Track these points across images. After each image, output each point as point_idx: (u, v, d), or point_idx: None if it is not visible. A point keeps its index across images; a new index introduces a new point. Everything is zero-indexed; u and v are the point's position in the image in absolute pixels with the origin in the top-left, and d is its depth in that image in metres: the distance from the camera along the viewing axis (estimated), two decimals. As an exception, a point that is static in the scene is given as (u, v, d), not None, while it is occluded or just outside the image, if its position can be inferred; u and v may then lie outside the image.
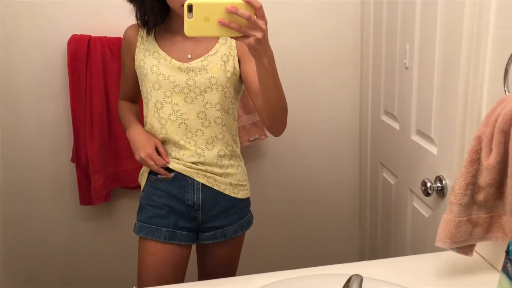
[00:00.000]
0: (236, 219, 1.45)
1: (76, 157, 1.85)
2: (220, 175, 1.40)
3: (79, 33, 1.78)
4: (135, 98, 1.53)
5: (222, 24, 0.97)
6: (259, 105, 1.26)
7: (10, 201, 1.96)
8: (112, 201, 1.98)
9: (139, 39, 1.37)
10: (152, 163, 1.34)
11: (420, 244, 1.51)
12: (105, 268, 2.08)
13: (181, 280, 1.44)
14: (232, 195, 1.42)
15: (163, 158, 1.35)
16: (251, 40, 1.00)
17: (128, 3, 1.35)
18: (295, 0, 1.91)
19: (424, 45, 1.38)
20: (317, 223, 2.21)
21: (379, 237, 1.94)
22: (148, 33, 1.36)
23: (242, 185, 1.45)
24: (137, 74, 1.39)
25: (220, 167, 1.39)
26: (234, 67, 1.33)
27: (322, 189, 2.17)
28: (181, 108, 1.33)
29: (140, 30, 1.38)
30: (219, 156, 1.38)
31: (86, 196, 1.88)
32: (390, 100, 1.69)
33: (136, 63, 1.37)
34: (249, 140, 1.95)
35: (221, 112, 1.35)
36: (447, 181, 1.28)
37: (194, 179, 1.37)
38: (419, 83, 1.44)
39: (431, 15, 1.31)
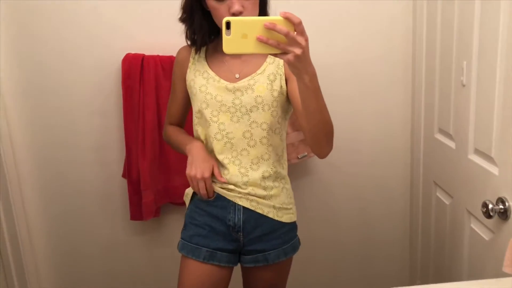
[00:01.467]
0: (279, 244, 1.40)
1: (128, 172, 1.89)
2: (263, 197, 1.37)
3: (133, 52, 1.84)
4: (182, 121, 1.52)
5: (260, 40, 0.95)
6: (303, 125, 1.22)
7: (61, 214, 2.02)
8: (162, 216, 2.01)
9: (191, 59, 1.40)
10: (201, 185, 1.33)
11: (479, 268, 1.45)
12: (153, 283, 2.10)
13: None
14: (276, 218, 1.38)
15: (217, 179, 1.34)
16: (290, 56, 0.96)
17: (180, 23, 1.37)
18: (345, 17, 1.90)
19: (484, 62, 1.34)
20: (365, 244, 2.16)
21: (432, 259, 1.88)
22: (196, 52, 1.38)
23: (286, 208, 1.41)
24: (189, 94, 1.41)
25: (264, 188, 1.36)
26: (281, 86, 1.31)
27: (370, 209, 2.12)
28: (227, 127, 1.33)
29: (192, 51, 1.40)
30: (263, 177, 1.36)
31: (137, 211, 1.91)
32: (445, 118, 1.64)
33: (187, 82, 1.39)
34: (298, 158, 1.93)
35: (267, 132, 1.33)
36: (510, 203, 1.22)
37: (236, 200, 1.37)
38: (477, 101, 1.39)
39: (492, 31, 1.27)
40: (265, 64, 1.33)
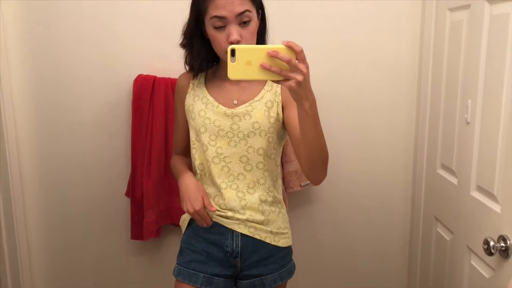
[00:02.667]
0: (276, 268, 1.41)
1: (132, 191, 1.90)
2: (261, 223, 1.38)
3: (145, 73, 1.87)
4: (188, 149, 1.51)
5: (263, 67, 0.99)
6: (299, 152, 1.25)
7: (61, 229, 2.02)
8: (162, 237, 2.01)
9: (191, 85, 1.43)
10: (197, 217, 1.35)
11: (478, 306, 1.45)
12: (149, 304, 2.09)
13: None
14: (273, 243, 1.39)
15: (208, 208, 1.36)
16: (292, 83, 1.00)
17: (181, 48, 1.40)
18: (351, 50, 1.95)
19: (488, 100, 1.37)
20: (363, 276, 2.16)
21: (430, 294, 1.87)
22: (193, 77, 1.42)
23: (283, 233, 1.43)
24: (187, 119, 1.43)
25: (262, 213, 1.38)
26: (278, 113, 1.35)
27: (370, 242, 2.12)
28: (225, 151, 1.35)
29: (191, 77, 1.44)
30: (261, 201, 1.38)
31: (138, 230, 1.92)
32: (448, 154, 1.67)
33: (186, 107, 1.42)
34: (301, 185, 1.95)
35: (263, 157, 1.36)
36: None
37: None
38: (481, 138, 1.42)
39: (498, 70, 1.30)
40: (263, 91, 1.36)
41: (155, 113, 1.84)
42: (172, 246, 2.03)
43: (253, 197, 1.37)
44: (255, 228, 1.37)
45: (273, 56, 0.98)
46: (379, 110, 2.01)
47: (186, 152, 1.52)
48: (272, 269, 1.41)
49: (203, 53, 1.35)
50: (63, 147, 1.95)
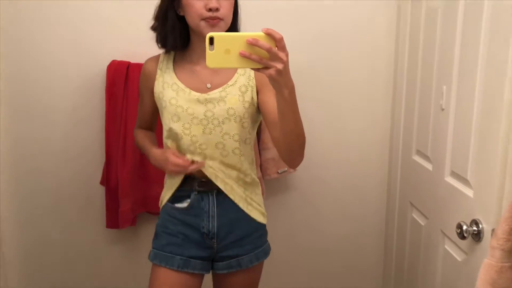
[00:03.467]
0: (252, 249, 1.43)
1: (107, 180, 1.87)
2: (237, 181, 1.39)
3: (118, 59, 1.84)
4: (152, 128, 1.56)
5: (243, 55, 0.98)
6: (276, 136, 1.26)
7: (36, 218, 1.98)
8: (137, 225, 1.99)
9: (158, 71, 1.39)
10: (182, 169, 1.33)
11: (451, 289, 1.48)
12: (125, 293, 2.07)
13: None
14: (245, 210, 1.40)
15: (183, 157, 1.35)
16: (271, 71, 1.00)
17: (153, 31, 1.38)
18: (329, 36, 1.94)
19: (463, 87, 1.38)
20: (339, 259, 2.18)
21: (405, 278, 1.90)
22: (166, 53, 1.38)
23: (257, 208, 1.44)
24: (158, 106, 1.41)
25: (239, 181, 1.39)
26: (252, 98, 1.34)
27: (347, 226, 2.14)
28: (200, 139, 1.34)
29: (159, 62, 1.40)
30: (238, 179, 1.39)
31: (113, 219, 1.89)
32: (423, 140, 1.68)
33: (156, 95, 1.39)
34: (278, 172, 1.95)
35: (239, 143, 1.36)
36: (484, 225, 1.25)
37: (209, 206, 1.38)
38: (455, 125, 1.43)
39: (472, 57, 1.31)
40: (236, 75, 1.35)
41: (129, 100, 1.81)
42: (148, 234, 2.00)
43: (231, 174, 1.38)
44: (232, 188, 1.38)
45: (252, 44, 0.97)
46: (355, 97, 2.02)
47: (151, 129, 1.55)
48: (248, 249, 1.42)
49: (178, 29, 1.32)
50: (35, 134, 1.91)
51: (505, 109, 1.15)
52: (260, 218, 1.45)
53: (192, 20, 1.28)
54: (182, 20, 1.32)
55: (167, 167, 1.33)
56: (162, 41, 1.36)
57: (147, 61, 1.43)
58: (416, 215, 1.78)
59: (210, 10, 1.24)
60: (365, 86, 2.01)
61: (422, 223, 1.71)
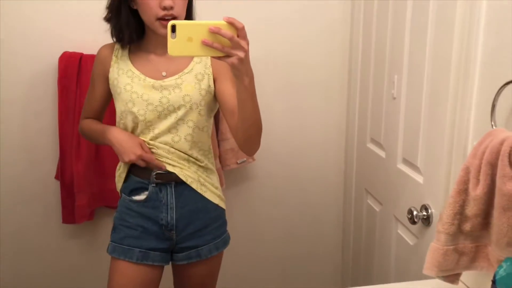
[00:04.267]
0: (211, 239, 1.43)
1: (61, 174, 1.83)
2: (188, 163, 1.38)
3: (71, 50, 1.79)
4: (99, 118, 1.50)
5: (205, 44, 0.99)
6: (233, 124, 1.28)
7: (-11, 217, 1.92)
8: (95, 220, 1.96)
9: (114, 58, 1.38)
10: (143, 163, 1.33)
11: (404, 272, 1.53)
12: (84, 286, 2.04)
13: None
14: (199, 191, 1.39)
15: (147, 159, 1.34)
16: (233, 59, 1.02)
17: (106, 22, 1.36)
18: (285, 24, 1.95)
19: (412, 76, 1.42)
20: (299, 246, 2.21)
21: (362, 263, 1.95)
22: (123, 47, 1.37)
23: (212, 190, 1.43)
24: (112, 93, 1.40)
25: (188, 163, 1.38)
26: (209, 86, 1.34)
27: (305, 214, 2.18)
28: (154, 124, 1.34)
29: (114, 50, 1.39)
30: (189, 162, 1.39)
31: (70, 214, 1.86)
32: (377, 129, 1.72)
33: (110, 81, 1.38)
34: (237, 163, 1.95)
35: (193, 129, 1.35)
36: (432, 210, 1.30)
37: (167, 198, 1.37)
38: (406, 113, 1.48)
39: (420, 47, 1.35)
40: (192, 63, 1.35)
41: (82, 92, 1.76)
42: (106, 228, 1.97)
43: (182, 157, 1.37)
44: (181, 169, 1.37)
45: (215, 32, 0.98)
46: (312, 85, 2.04)
47: (98, 119, 1.50)
48: (207, 239, 1.43)
49: (132, 24, 1.31)
50: (-16, 129, 1.84)
51: (450, 98, 1.20)
52: (216, 200, 1.43)
53: (147, 18, 1.28)
54: (136, 14, 1.30)
55: (130, 153, 1.31)
56: (117, 36, 1.35)
57: (102, 47, 1.42)
58: (371, 202, 1.83)
59: (164, 8, 1.23)
60: (321, 75, 2.03)
61: (377, 209, 1.76)
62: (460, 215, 0.97)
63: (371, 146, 1.80)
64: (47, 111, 1.85)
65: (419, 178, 1.39)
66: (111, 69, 1.38)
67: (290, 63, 2.00)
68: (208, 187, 1.42)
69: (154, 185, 1.37)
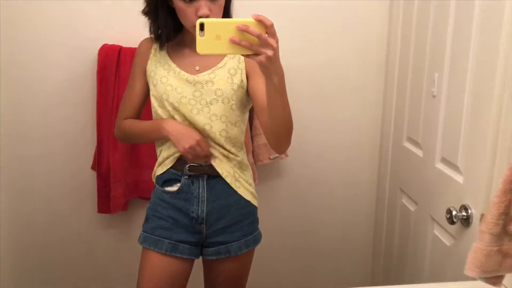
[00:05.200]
0: (241, 236, 1.43)
1: (98, 165, 1.86)
2: (224, 157, 1.38)
3: (110, 43, 1.82)
4: (137, 117, 1.48)
5: (233, 42, 0.98)
6: (264, 121, 1.27)
7: (27, 204, 1.97)
8: (130, 210, 1.99)
9: (153, 51, 1.40)
10: (200, 149, 1.32)
11: (439, 272, 1.50)
12: (117, 277, 2.07)
13: None
14: (233, 186, 1.39)
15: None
16: (261, 57, 1.00)
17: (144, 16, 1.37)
18: (321, 21, 1.94)
19: (454, 74, 1.39)
20: (329, 245, 2.20)
21: (394, 263, 1.93)
22: (161, 48, 1.39)
23: (245, 187, 1.43)
24: (149, 85, 1.41)
25: (224, 157, 1.38)
26: (241, 81, 1.34)
27: (337, 212, 2.16)
28: (188, 119, 1.35)
29: (154, 43, 1.41)
30: (224, 156, 1.39)
31: (105, 204, 1.89)
32: (414, 127, 1.70)
33: (147, 73, 1.40)
34: (270, 158, 1.95)
35: (226, 125, 1.36)
36: (473, 210, 1.28)
37: (199, 191, 1.38)
38: (446, 112, 1.45)
39: (463, 45, 1.32)
40: (226, 58, 1.36)
41: (120, 84, 1.79)
42: (140, 218, 2.00)
43: (220, 150, 1.38)
44: (221, 161, 1.38)
45: (243, 30, 0.97)
46: (347, 83, 2.02)
47: (133, 117, 1.47)
48: (237, 236, 1.42)
49: (170, 23, 1.33)
50: (26, 119, 1.89)
51: (495, 96, 1.17)
52: (249, 197, 1.43)
53: (184, 23, 1.29)
54: (174, 12, 1.31)
55: (190, 138, 1.31)
56: (155, 36, 1.37)
57: (142, 41, 1.44)
58: (406, 201, 1.80)
59: (200, 17, 1.23)
60: (357, 72, 2.01)
61: (412, 209, 1.73)
62: (505, 215, 0.95)
63: (408, 145, 1.78)
64: (85, 103, 1.89)
65: (459, 178, 1.36)
66: (149, 62, 1.40)
67: (325, 59, 1.98)
68: (241, 183, 1.42)
69: (186, 177, 1.39)
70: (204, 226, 1.40)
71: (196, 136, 1.32)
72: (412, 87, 1.73)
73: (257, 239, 1.48)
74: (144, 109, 1.48)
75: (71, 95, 1.88)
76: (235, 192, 1.41)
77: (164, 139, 1.38)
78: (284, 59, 1.08)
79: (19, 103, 1.87)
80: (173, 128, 1.34)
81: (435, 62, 1.51)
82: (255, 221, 1.48)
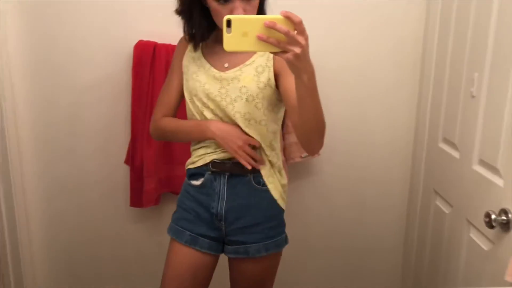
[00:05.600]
0: (261, 238, 1.39)
1: (132, 159, 1.89)
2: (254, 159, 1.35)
3: (145, 39, 1.84)
4: (173, 114, 1.47)
5: (260, 39, 0.96)
6: (295, 122, 1.23)
7: (61, 197, 2.02)
8: (161, 205, 2.01)
9: (189, 47, 1.41)
10: (249, 149, 1.32)
11: (475, 277, 1.46)
12: (148, 270, 2.10)
13: None
14: (256, 184, 1.37)
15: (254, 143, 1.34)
16: (289, 55, 0.97)
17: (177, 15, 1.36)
18: (355, 19, 1.92)
19: (495, 75, 1.35)
20: (358, 245, 2.18)
21: (426, 266, 1.90)
22: (195, 48, 1.38)
23: (274, 184, 1.39)
24: (183, 79, 1.41)
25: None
26: (269, 79, 1.31)
27: (367, 212, 2.14)
28: (213, 116, 1.35)
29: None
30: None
31: (137, 198, 1.92)
32: (451, 128, 1.66)
33: (183, 68, 1.41)
34: (301, 157, 1.94)
35: (249, 122, 1.33)
36: (513, 215, 1.24)
37: (220, 188, 1.37)
38: (486, 113, 1.41)
39: (507, 44, 1.29)
40: (255, 56, 1.34)
41: (155, 80, 1.81)
42: (171, 214, 2.01)
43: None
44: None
45: (270, 27, 0.94)
46: (380, 81, 1.99)
47: (170, 114, 1.46)
48: (257, 238, 1.39)
49: (204, 23, 1.32)
50: (61, 115, 1.93)
51: (541, 97, 1.13)
52: (276, 198, 1.40)
53: (218, 23, 1.28)
54: (208, 11, 1.29)
55: (238, 139, 1.31)
56: (189, 35, 1.36)
57: (182, 37, 1.44)
58: (440, 203, 1.77)
59: None
60: (392, 69, 1.98)
61: (446, 211, 1.70)
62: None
63: (443, 146, 1.74)
64: (120, 98, 1.92)
65: (498, 181, 1.32)
66: (185, 57, 1.41)
67: (358, 57, 1.96)
68: (269, 182, 1.39)
69: (210, 172, 1.39)
70: (223, 223, 1.39)
71: (242, 136, 1.32)
72: (449, 87, 1.69)
73: (279, 244, 1.43)
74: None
75: (107, 91, 1.91)
76: (258, 193, 1.38)
77: (208, 139, 1.37)
78: (318, 58, 1.05)
79: (54, 99, 1.91)
80: (220, 129, 1.33)
81: (475, 61, 1.48)
82: (280, 225, 1.44)
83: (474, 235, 1.48)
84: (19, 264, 1.96)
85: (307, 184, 2.08)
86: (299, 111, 1.15)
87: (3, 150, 1.84)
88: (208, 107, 1.35)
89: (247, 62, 1.33)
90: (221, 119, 1.35)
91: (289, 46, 0.96)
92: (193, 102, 1.37)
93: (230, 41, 0.97)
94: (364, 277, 2.21)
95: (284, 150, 1.93)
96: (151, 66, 1.81)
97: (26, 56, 1.86)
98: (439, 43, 1.78)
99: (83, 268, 2.10)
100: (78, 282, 2.12)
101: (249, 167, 1.34)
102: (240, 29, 0.96)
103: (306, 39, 0.97)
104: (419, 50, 1.96)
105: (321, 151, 1.98)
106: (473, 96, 1.48)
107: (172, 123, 1.43)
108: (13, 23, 1.82)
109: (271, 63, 1.32)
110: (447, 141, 1.71)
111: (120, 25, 1.85)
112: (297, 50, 0.97)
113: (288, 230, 1.47)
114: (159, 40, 1.83)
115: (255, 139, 1.34)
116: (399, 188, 2.11)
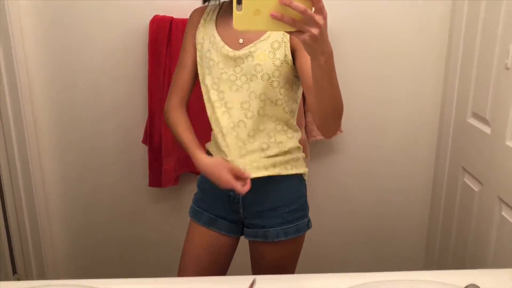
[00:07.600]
0: (280, 223, 1.33)
1: (150, 138, 1.85)
2: (260, 159, 1.28)
3: (161, 14, 1.78)
4: (187, 93, 1.38)
5: (274, 17, 0.86)
6: (310, 102, 1.16)
7: (79, 177, 2.00)
8: (180, 185, 1.98)
9: (202, 21, 1.33)
10: (239, 187, 1.22)
11: (507, 257, 1.41)
12: (167, 251, 2.08)
13: (220, 270, 1.41)
14: (283, 173, 1.29)
15: (242, 174, 1.24)
16: (305, 36, 0.88)
17: None
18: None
19: (534, 44, 1.28)
20: (385, 224, 2.14)
21: (452, 245, 1.85)
22: (204, 1, 1.32)
23: (292, 168, 1.32)
24: (197, 56, 1.34)
25: (264, 161, 1.29)
26: (285, 55, 1.23)
27: (391, 190, 2.09)
28: (226, 96, 1.27)
29: (204, 13, 1.34)
30: (262, 149, 1.29)
31: (156, 178, 1.89)
32: (482, 102, 1.59)
33: (197, 46, 1.33)
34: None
35: (265, 103, 1.25)
36: (552, 192, 1.18)
37: None
38: (522, 85, 1.34)
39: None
40: None
41: (172, 56, 1.76)
42: (190, 193, 1.98)
43: (253, 146, 1.28)
44: (257, 169, 1.28)
45: (285, 4, 0.85)
46: (405, 53, 1.91)
47: (184, 96, 1.38)
48: (276, 222, 1.33)
49: None
50: (77, 94, 1.89)
51: None
52: (296, 180, 1.33)
53: None
54: None
55: (223, 182, 1.22)
56: None
57: (193, 11, 1.37)
58: (468, 180, 1.71)
59: None
60: (417, 41, 1.89)
61: (476, 189, 1.64)
62: None
63: (473, 121, 1.67)
64: (137, 75, 1.87)
65: (535, 157, 1.26)
66: (197, 32, 1.33)
67: (383, 28, 1.87)
68: (289, 165, 1.32)
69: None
70: (240, 206, 1.35)
71: (225, 177, 1.21)
72: (480, 58, 1.61)
73: (300, 229, 1.36)
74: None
75: (122, 69, 1.87)
76: (275, 178, 1.31)
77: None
78: (336, 33, 0.96)
79: (70, 79, 1.87)
80: (204, 170, 1.27)
81: (510, 31, 1.39)
82: (300, 209, 1.36)
83: (506, 213, 1.42)
84: (39, 243, 1.96)
85: (328, 162, 2.03)
86: (315, 93, 1.07)
87: (21, 133, 1.82)
88: (217, 89, 1.27)
89: (262, 38, 1.24)
90: (225, 105, 1.27)
91: (305, 26, 0.87)
92: (203, 83, 1.30)
93: (240, 19, 0.88)
94: (387, 257, 2.17)
95: (305, 127, 1.87)
96: (168, 42, 1.76)
97: (40, 37, 1.82)
98: (470, 8, 1.69)
99: (102, 248, 2.10)
100: (97, 263, 2.11)
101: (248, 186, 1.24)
102: (252, 6, 0.87)
103: (325, 18, 0.88)
104: (447, 18, 1.86)
105: (344, 129, 1.92)
106: (507, 68, 1.41)
107: (174, 128, 1.38)
108: (26, 5, 1.77)
109: (287, 38, 1.24)
110: (477, 116, 1.64)
111: (134, 1, 1.80)
112: (315, 30, 0.87)
113: (309, 210, 1.41)
114: (176, 15, 1.77)
115: (241, 170, 1.24)
116: (423, 165, 2.05)
